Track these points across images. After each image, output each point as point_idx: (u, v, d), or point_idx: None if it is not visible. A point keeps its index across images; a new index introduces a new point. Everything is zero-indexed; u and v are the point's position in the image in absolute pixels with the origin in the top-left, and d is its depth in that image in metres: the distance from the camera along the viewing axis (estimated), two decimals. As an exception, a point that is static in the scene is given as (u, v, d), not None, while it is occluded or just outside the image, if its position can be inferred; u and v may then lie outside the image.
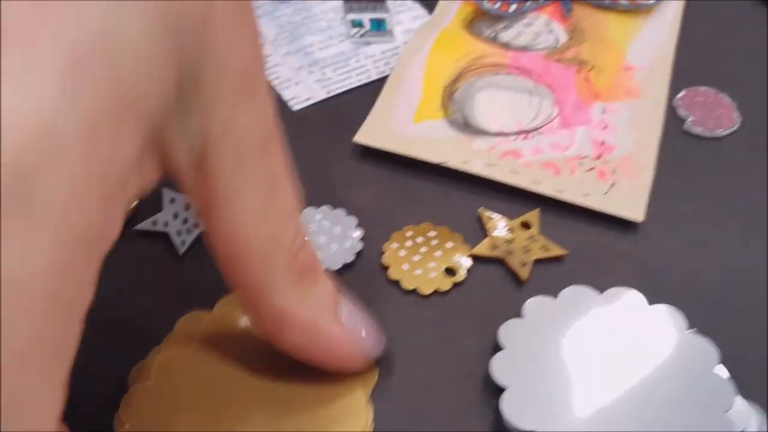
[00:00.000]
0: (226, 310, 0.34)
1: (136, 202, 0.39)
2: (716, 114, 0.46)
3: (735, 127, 0.46)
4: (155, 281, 0.37)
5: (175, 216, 0.39)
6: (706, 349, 0.34)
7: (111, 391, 0.32)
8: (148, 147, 0.20)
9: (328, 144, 0.43)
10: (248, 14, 0.24)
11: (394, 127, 0.44)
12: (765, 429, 0.32)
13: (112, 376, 0.33)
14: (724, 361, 0.33)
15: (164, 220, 0.39)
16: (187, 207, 0.39)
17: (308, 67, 0.48)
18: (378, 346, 0.32)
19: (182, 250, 0.38)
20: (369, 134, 0.44)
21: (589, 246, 0.39)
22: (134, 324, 0.35)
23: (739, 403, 0.32)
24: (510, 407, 0.31)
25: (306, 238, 0.28)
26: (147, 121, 0.19)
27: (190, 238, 0.38)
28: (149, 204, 0.40)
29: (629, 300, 0.35)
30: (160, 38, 0.19)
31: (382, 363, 0.34)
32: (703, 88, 0.48)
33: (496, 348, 0.34)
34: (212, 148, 0.23)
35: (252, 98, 0.24)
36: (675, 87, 0.48)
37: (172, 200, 0.40)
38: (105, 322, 0.34)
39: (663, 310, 0.35)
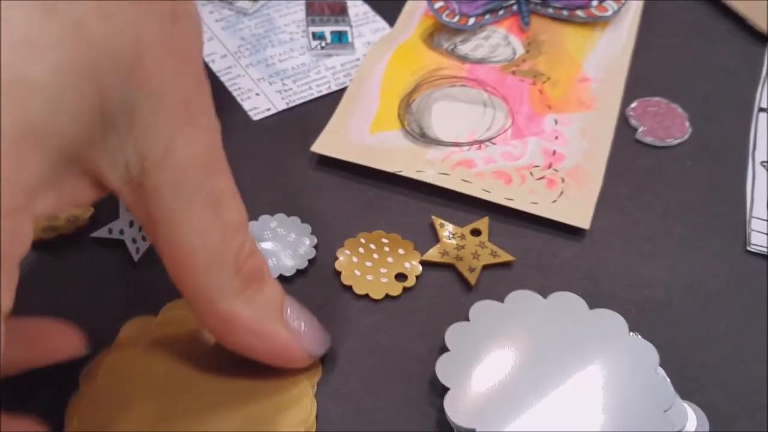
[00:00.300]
0: (171, 315, 0.35)
1: (92, 211, 0.40)
2: (667, 124, 0.47)
3: (685, 137, 0.47)
4: (110, 287, 0.38)
5: (131, 224, 0.40)
6: (646, 351, 0.35)
7: (62, 392, 0.33)
8: (65, 169, 0.23)
9: (286, 153, 0.44)
10: (189, 54, 0.26)
11: (351, 138, 0.45)
12: (706, 429, 0.33)
13: (63, 378, 0.33)
14: (665, 364, 0.34)
15: (120, 228, 0.39)
16: (144, 215, 0.40)
17: (269, 78, 0.49)
18: (323, 345, 0.34)
19: (137, 257, 0.38)
20: (326, 144, 0.45)
21: (536, 252, 0.40)
22: (87, 328, 0.35)
23: (678, 404, 0.33)
24: (453, 406, 0.32)
25: (254, 247, 0.29)
26: (59, 148, 0.22)
27: (144, 246, 0.39)
28: (106, 212, 0.40)
29: (571, 304, 0.36)
30: (74, 81, 0.21)
31: (330, 364, 0.35)
32: (655, 99, 0.49)
33: (443, 350, 0.35)
34: (152, 171, 0.25)
35: (193, 126, 0.26)
36: (628, 98, 0.49)
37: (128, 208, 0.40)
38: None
39: (604, 314, 0.36)
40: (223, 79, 0.49)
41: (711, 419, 0.33)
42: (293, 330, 0.31)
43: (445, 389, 0.33)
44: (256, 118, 0.47)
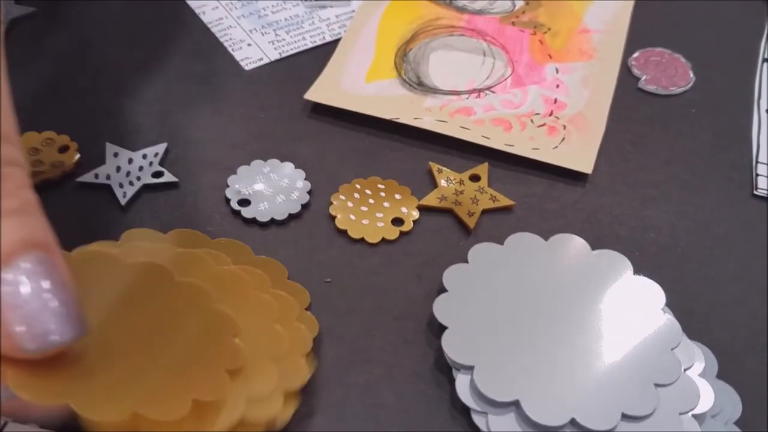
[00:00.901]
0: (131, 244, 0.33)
1: (77, 156, 0.39)
2: (670, 73, 0.46)
3: (689, 86, 0.46)
4: (99, 229, 0.36)
5: (118, 169, 0.38)
6: (652, 291, 0.33)
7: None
8: None
9: (279, 102, 0.43)
10: None
11: (346, 86, 0.44)
12: (714, 367, 0.32)
13: None
14: (671, 305, 0.33)
15: (106, 173, 0.38)
16: (130, 161, 0.39)
17: (261, 29, 0.48)
18: (52, 336, 0.24)
19: (124, 201, 0.37)
20: (320, 92, 0.43)
21: (537, 198, 0.39)
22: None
23: (686, 342, 0.32)
24: (450, 344, 0.31)
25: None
26: None
27: (132, 190, 0.38)
28: (92, 157, 0.39)
29: (574, 246, 0.35)
30: None
31: (325, 305, 0.33)
32: (658, 49, 0.48)
33: (441, 291, 0.33)
34: None
35: None
36: (630, 48, 0.48)
37: (116, 154, 0.39)
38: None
39: (608, 254, 0.35)
40: (214, 30, 0.48)
41: (718, 357, 0.32)
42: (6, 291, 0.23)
43: (443, 329, 0.32)
44: (248, 68, 0.46)
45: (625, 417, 0.29)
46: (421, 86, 0.44)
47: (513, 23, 0.49)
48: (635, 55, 0.47)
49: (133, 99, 0.42)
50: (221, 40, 0.47)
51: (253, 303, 0.31)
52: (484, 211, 0.38)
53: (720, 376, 0.32)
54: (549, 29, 0.48)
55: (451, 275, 0.34)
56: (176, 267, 0.30)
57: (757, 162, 0.41)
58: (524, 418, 0.29)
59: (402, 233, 0.37)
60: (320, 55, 0.46)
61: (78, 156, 0.39)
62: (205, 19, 0.48)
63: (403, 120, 0.42)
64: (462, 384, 0.30)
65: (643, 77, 0.46)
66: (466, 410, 0.30)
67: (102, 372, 0.26)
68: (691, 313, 0.34)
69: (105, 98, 0.43)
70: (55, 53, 0.45)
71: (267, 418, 0.28)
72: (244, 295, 0.31)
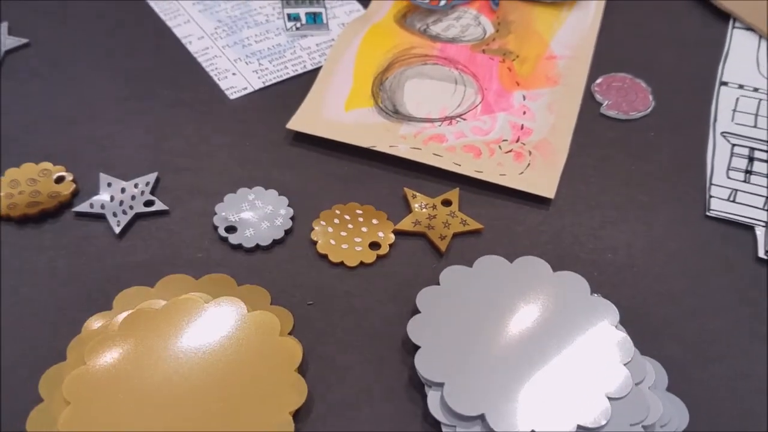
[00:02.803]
0: (166, 289, 0.37)
1: (73, 187, 0.41)
2: (631, 98, 0.49)
3: (648, 110, 0.49)
4: (95, 257, 0.39)
5: (111, 199, 0.41)
6: (606, 309, 0.36)
7: (49, 360, 0.34)
8: None
9: (263, 130, 0.46)
10: None
11: (326, 114, 0.46)
12: (664, 381, 0.35)
13: (50, 347, 0.35)
14: (626, 322, 0.36)
15: (101, 203, 0.41)
16: (123, 190, 0.41)
17: (246, 59, 0.50)
18: None
19: (118, 230, 0.39)
20: (302, 121, 0.46)
21: (504, 221, 0.42)
22: (75, 295, 0.37)
23: (638, 358, 0.35)
24: (422, 362, 0.34)
25: None
26: None
27: (125, 219, 0.40)
28: (87, 188, 0.42)
29: (536, 267, 0.38)
30: None
31: (306, 326, 0.36)
32: (620, 75, 0.51)
33: (415, 312, 0.36)
34: None
35: None
36: (594, 74, 0.51)
37: (109, 184, 0.42)
38: (47, 293, 0.36)
39: (567, 275, 0.38)
40: (200, 59, 0.50)
41: (668, 371, 0.35)
42: None
43: (416, 348, 0.34)
44: (233, 96, 0.48)
45: (580, 428, 0.32)
46: (396, 114, 0.47)
47: (483, 51, 0.52)
48: (598, 80, 0.50)
49: (125, 129, 0.45)
50: (207, 69, 0.50)
51: (249, 326, 0.34)
52: (455, 235, 0.41)
53: (669, 388, 0.35)
54: (517, 56, 0.51)
55: (423, 297, 0.37)
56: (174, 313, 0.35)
57: (710, 184, 0.44)
58: (488, 430, 0.31)
59: (379, 257, 0.40)
60: (302, 82, 0.49)
61: (74, 186, 0.41)
62: (191, 48, 0.51)
63: (379, 148, 0.44)
64: (433, 400, 0.33)
65: (605, 102, 0.49)
66: (437, 424, 0.33)
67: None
68: (645, 329, 0.37)
69: (97, 129, 0.45)
70: (48, 84, 0.48)
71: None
72: (239, 320, 0.34)
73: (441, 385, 0.33)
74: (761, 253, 0.40)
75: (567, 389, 0.33)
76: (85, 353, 0.33)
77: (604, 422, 0.32)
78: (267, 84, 0.49)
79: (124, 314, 0.35)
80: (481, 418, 0.32)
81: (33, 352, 0.35)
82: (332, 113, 0.46)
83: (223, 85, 0.49)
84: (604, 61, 0.51)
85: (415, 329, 0.35)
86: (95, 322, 0.35)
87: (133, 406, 0.31)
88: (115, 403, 0.31)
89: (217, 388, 0.32)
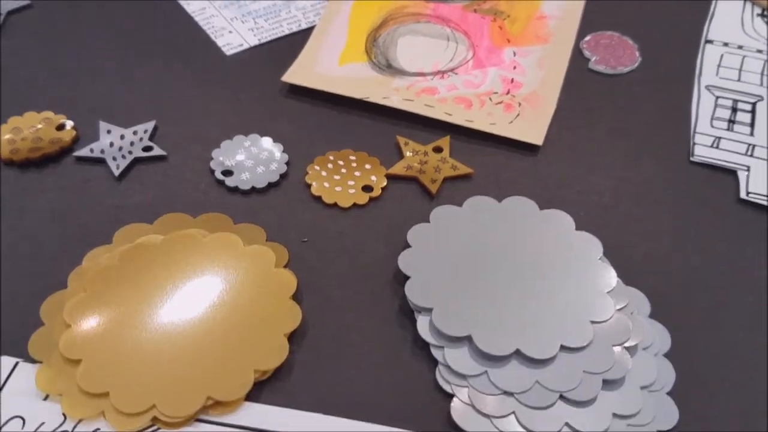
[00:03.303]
0: (165, 227, 0.38)
1: (74, 134, 0.42)
2: (618, 54, 0.50)
3: (635, 65, 0.50)
4: (96, 199, 0.40)
5: (111, 145, 0.42)
6: (591, 242, 0.38)
7: (49, 290, 0.35)
8: None
9: (258, 84, 0.47)
10: None
11: (321, 68, 0.48)
12: (647, 308, 0.36)
13: (51, 278, 0.36)
14: (612, 257, 0.37)
15: (100, 148, 0.42)
16: (122, 137, 0.43)
17: (241, 18, 0.52)
18: None
19: (118, 173, 0.41)
20: (297, 74, 0.47)
21: (493, 167, 0.43)
22: (78, 233, 0.38)
23: (621, 286, 0.36)
24: (412, 290, 0.35)
25: None
26: None
27: (124, 163, 0.41)
28: (88, 135, 0.43)
29: (524, 206, 0.39)
30: None
31: (300, 264, 0.37)
32: (608, 32, 0.52)
33: (406, 247, 0.37)
34: None
35: None
36: (582, 32, 0.52)
37: (109, 131, 0.43)
38: (48, 230, 0.37)
39: (553, 213, 0.39)
40: (197, 19, 0.52)
41: (651, 300, 0.36)
42: None
43: (406, 279, 0.36)
44: (229, 53, 0.49)
45: (563, 348, 0.33)
46: (389, 68, 0.48)
47: (475, 10, 0.53)
48: (587, 38, 0.52)
49: (124, 82, 0.46)
50: (204, 27, 0.51)
51: (245, 258, 0.35)
52: (446, 179, 0.42)
53: (653, 316, 0.36)
54: (508, 16, 0.53)
55: (414, 233, 0.38)
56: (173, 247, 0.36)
57: (695, 132, 0.45)
58: (475, 350, 0.33)
59: (371, 199, 0.41)
60: (296, 41, 0.50)
61: (74, 133, 0.42)
62: (188, 8, 0.52)
63: (372, 99, 0.46)
64: (422, 323, 0.34)
65: (593, 58, 0.50)
66: (426, 346, 0.34)
67: (174, 363, 0.32)
68: (629, 264, 0.38)
69: (97, 82, 0.46)
70: (48, 42, 0.49)
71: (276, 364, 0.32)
72: (236, 253, 0.35)
73: (429, 310, 0.34)
74: (743, 195, 0.41)
75: (551, 314, 0.34)
76: (86, 281, 0.34)
77: (586, 343, 0.33)
78: (262, 41, 0.50)
79: (124, 247, 0.36)
80: (468, 339, 0.33)
81: (33, 282, 0.36)
82: (326, 67, 0.48)
83: (219, 42, 0.50)
84: (593, 19, 0.53)
85: (405, 261, 0.36)
86: (96, 255, 0.36)
87: (133, 331, 0.32)
88: (115, 327, 0.32)
89: (215, 315, 0.33)
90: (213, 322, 0.33)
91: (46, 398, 0.31)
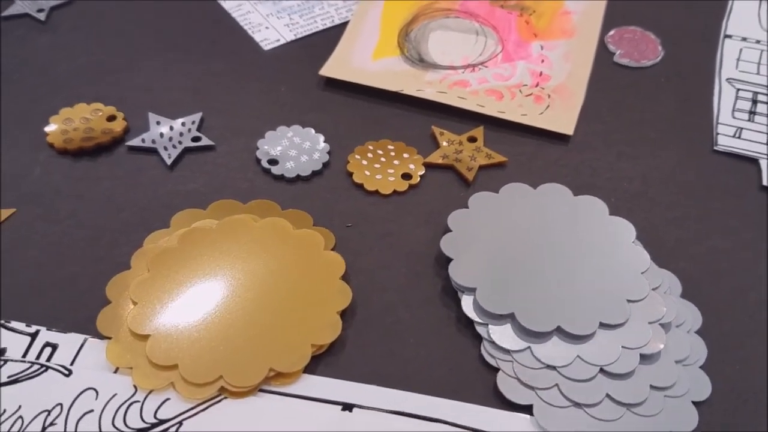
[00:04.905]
0: (217, 212, 0.40)
1: (125, 124, 0.44)
2: (642, 48, 0.52)
3: (658, 59, 0.52)
4: (149, 187, 0.42)
5: (161, 135, 0.44)
6: (624, 226, 0.40)
7: (112, 271, 0.37)
8: None
9: (296, 77, 0.49)
10: None
11: (356, 63, 0.50)
12: (678, 289, 0.38)
13: (113, 261, 0.38)
14: (643, 240, 0.39)
15: (151, 138, 0.44)
16: (171, 128, 0.45)
17: (277, 14, 0.54)
18: None
19: (170, 161, 0.43)
20: (333, 68, 0.49)
21: (526, 156, 0.45)
22: (135, 219, 0.40)
23: (654, 268, 0.38)
24: (456, 271, 0.37)
25: None
26: None
27: (175, 153, 0.43)
28: (137, 126, 0.45)
29: (558, 193, 0.41)
30: None
31: (345, 248, 0.39)
32: (631, 27, 0.54)
33: (446, 232, 0.39)
34: None
35: None
36: (606, 27, 0.54)
37: (158, 122, 0.45)
38: (106, 216, 0.39)
39: (587, 199, 0.41)
40: (234, 15, 0.54)
41: (682, 282, 0.38)
42: None
43: (449, 261, 0.38)
44: (266, 48, 0.51)
45: (602, 325, 0.35)
46: (422, 62, 0.50)
47: (502, 6, 0.55)
48: (611, 32, 0.54)
49: (167, 76, 0.48)
50: (241, 24, 0.53)
51: (296, 241, 0.37)
52: (481, 167, 0.44)
53: (684, 295, 0.38)
54: (534, 11, 0.55)
55: (454, 218, 0.40)
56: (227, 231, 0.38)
57: (717, 123, 0.47)
58: (518, 327, 0.35)
59: (410, 186, 0.43)
60: (330, 36, 0.52)
61: (125, 124, 0.44)
62: (226, 6, 0.54)
63: (407, 91, 0.48)
64: (467, 302, 0.36)
65: (618, 52, 0.52)
66: (470, 324, 0.36)
67: (238, 337, 0.34)
68: (659, 248, 0.40)
69: (142, 76, 0.48)
70: (91, 37, 0.51)
71: (331, 339, 0.34)
72: (286, 237, 0.37)
73: (473, 290, 0.36)
74: (765, 182, 0.43)
75: (590, 294, 0.36)
76: (149, 262, 0.36)
77: (623, 320, 0.35)
78: (298, 36, 0.52)
79: (182, 231, 0.38)
80: (511, 317, 0.35)
81: (94, 265, 0.38)
82: (361, 62, 0.50)
83: (257, 37, 0.52)
84: (616, 15, 0.55)
85: (447, 244, 0.38)
86: (156, 238, 0.38)
87: (197, 307, 0.34)
88: (179, 304, 0.35)
89: (272, 293, 0.35)
90: (270, 300, 0.35)
91: (116, 371, 0.33)
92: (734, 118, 0.47)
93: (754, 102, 0.48)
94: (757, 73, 0.51)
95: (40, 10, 0.53)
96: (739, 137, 0.46)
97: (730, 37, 0.54)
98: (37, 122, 0.44)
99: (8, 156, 0.43)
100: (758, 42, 0.53)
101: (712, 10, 0.56)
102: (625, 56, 0.51)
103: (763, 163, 0.44)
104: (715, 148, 0.46)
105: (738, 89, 0.49)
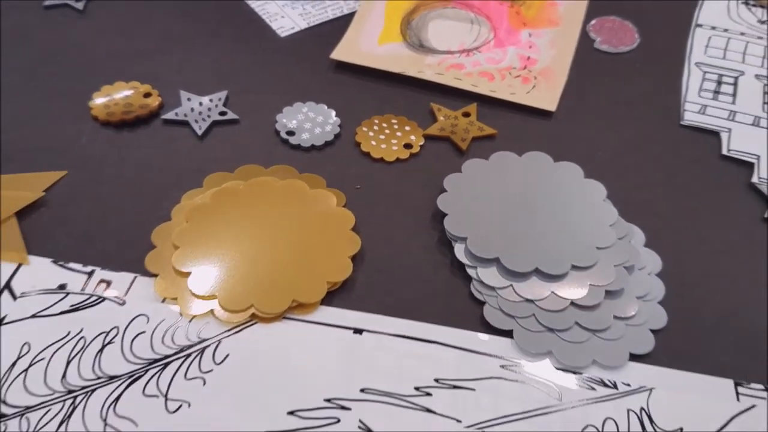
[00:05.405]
0: (243, 175, 0.46)
1: (160, 100, 0.51)
2: (620, 36, 0.59)
3: (635, 45, 0.58)
4: (182, 155, 0.48)
5: (192, 110, 0.51)
6: (596, 187, 0.46)
7: (156, 221, 0.44)
8: None
9: (309, 60, 0.55)
10: None
11: (363, 48, 0.56)
12: (642, 239, 0.44)
13: (154, 215, 0.44)
14: (614, 200, 0.45)
15: (184, 112, 0.50)
16: (200, 104, 0.51)
17: (291, 4, 0.60)
18: None
19: (200, 132, 0.49)
20: (343, 52, 0.56)
21: (514, 129, 0.51)
22: (170, 181, 0.47)
23: (621, 221, 0.44)
24: (450, 223, 0.43)
25: None
26: None
27: (205, 125, 0.50)
28: (170, 102, 0.51)
29: (540, 160, 0.48)
30: None
31: (353, 206, 0.45)
32: (611, 17, 0.61)
33: (442, 192, 0.46)
34: None
35: None
36: (589, 17, 0.60)
37: (189, 99, 0.51)
38: (147, 177, 0.45)
39: (565, 165, 0.47)
40: (252, 5, 0.60)
41: (646, 233, 0.44)
42: None
43: (443, 216, 0.44)
44: (283, 35, 0.58)
45: (574, 267, 0.41)
46: (422, 48, 0.56)
47: (495, -2, 0.61)
48: (592, 22, 0.60)
49: (193, 59, 0.54)
50: (259, 13, 0.59)
51: (312, 199, 0.44)
52: (474, 138, 0.50)
53: (647, 245, 0.44)
54: (524, 2, 0.61)
55: (449, 180, 0.46)
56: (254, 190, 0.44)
57: (684, 101, 0.54)
58: (502, 269, 0.41)
59: (411, 154, 0.49)
60: (340, 24, 0.58)
61: (160, 100, 0.51)
62: (245, -3, 0.60)
63: (409, 73, 0.54)
64: (459, 249, 0.42)
65: (598, 39, 0.58)
66: (462, 267, 0.42)
67: (266, 274, 0.40)
68: (627, 206, 0.46)
69: (171, 59, 0.54)
70: (125, 23, 0.57)
71: (343, 278, 0.40)
72: (304, 195, 0.44)
73: (464, 239, 0.42)
74: (725, 151, 0.50)
75: (565, 241, 0.42)
76: (186, 214, 0.42)
77: (593, 263, 0.41)
78: (311, 24, 0.58)
79: (214, 189, 0.44)
80: (497, 260, 0.41)
81: (139, 217, 0.44)
82: (368, 47, 0.56)
83: (274, 25, 0.58)
84: (598, 6, 0.61)
85: (443, 202, 0.45)
86: (191, 195, 0.44)
87: (230, 250, 0.41)
88: (215, 247, 0.41)
89: (293, 240, 0.41)
90: (292, 245, 0.41)
91: (163, 301, 0.39)
92: (700, 97, 0.54)
93: (719, 83, 0.55)
94: (723, 58, 0.57)
95: (78, 0, 0.59)
96: (703, 113, 0.52)
97: (700, 26, 0.60)
98: (81, 98, 0.51)
99: (56, 126, 0.49)
100: (726, 30, 0.60)
101: (686, 2, 0.62)
102: (604, 43, 0.58)
103: (723, 135, 0.51)
104: (682, 122, 0.52)
105: (705, 72, 0.56)
